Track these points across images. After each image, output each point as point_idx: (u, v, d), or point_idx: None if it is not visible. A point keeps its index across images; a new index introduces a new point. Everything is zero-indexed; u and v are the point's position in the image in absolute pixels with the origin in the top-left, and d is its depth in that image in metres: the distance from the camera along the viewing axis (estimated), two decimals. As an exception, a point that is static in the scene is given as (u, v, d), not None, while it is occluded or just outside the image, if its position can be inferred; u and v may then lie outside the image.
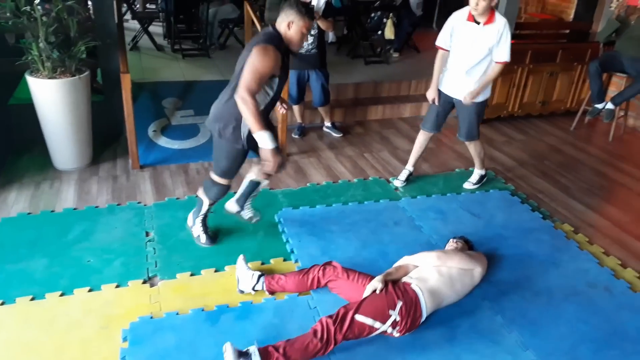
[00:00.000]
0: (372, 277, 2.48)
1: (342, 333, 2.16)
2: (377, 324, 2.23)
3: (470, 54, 3.48)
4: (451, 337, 2.42)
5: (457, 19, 3.53)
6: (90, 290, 2.61)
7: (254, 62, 2.40)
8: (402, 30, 6.57)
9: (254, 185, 2.96)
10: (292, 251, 3.02)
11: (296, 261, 2.93)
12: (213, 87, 5.16)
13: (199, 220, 3.03)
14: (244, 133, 2.66)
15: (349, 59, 6.37)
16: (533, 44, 5.56)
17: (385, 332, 2.28)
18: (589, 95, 5.23)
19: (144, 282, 2.70)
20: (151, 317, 2.44)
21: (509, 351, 2.37)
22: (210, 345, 2.29)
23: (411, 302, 2.34)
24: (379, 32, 6.20)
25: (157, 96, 4.87)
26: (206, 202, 2.98)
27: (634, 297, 2.81)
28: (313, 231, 3.21)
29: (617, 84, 5.53)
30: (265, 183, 2.98)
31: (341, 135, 4.82)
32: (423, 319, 2.39)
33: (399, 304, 2.29)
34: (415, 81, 5.67)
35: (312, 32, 4.28)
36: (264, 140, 2.48)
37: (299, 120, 4.79)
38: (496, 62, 3.46)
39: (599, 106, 5.10)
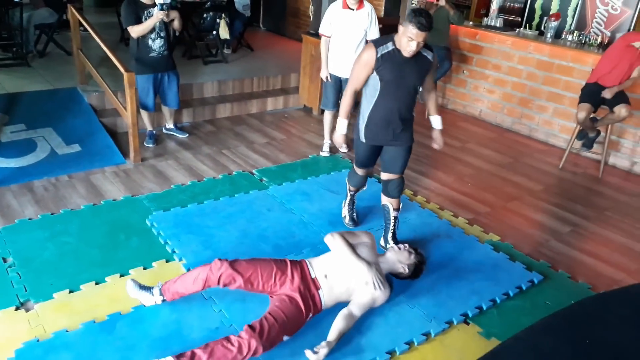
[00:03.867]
0: (264, 262, 2.54)
1: (266, 349, 2.22)
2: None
3: (350, 37, 4.17)
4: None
5: (335, 9, 4.19)
6: (-49, 330, 2.33)
7: None
8: (234, 29, 6.75)
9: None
10: (173, 251, 3.03)
11: (181, 259, 2.96)
12: (41, 97, 4.78)
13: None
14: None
15: (185, 60, 6.33)
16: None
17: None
18: (406, 80, 6.05)
19: (17, 309, 2.49)
20: (37, 341, 2.28)
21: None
22: (112, 354, 2.25)
23: (317, 310, 2.50)
24: (214, 32, 6.29)
25: (-25, 113, 4.32)
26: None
27: (468, 239, 3.45)
28: (190, 229, 3.24)
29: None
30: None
31: (187, 135, 4.83)
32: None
33: (309, 315, 2.45)
34: (257, 78, 5.91)
35: (162, 34, 4.22)
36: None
37: (149, 127, 4.62)
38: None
39: (415, 89, 5.94)
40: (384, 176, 3.15)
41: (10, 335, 2.31)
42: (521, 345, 1.74)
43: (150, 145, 4.55)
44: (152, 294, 2.51)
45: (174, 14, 4.20)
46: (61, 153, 4.14)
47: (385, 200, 3.20)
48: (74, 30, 4.91)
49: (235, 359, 2.14)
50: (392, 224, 3.19)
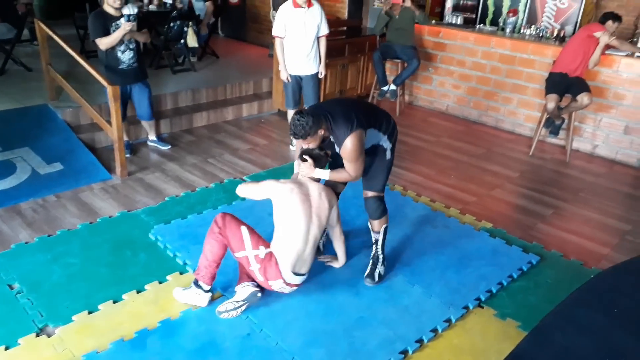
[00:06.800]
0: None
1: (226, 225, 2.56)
2: (247, 244, 2.55)
3: (306, 35, 4.29)
4: (356, 293, 2.82)
5: (286, 10, 4.26)
6: (-27, 363, 2.23)
7: None
8: (200, 37, 6.69)
9: None
10: (185, 263, 3.02)
11: (194, 270, 2.94)
12: (12, 116, 4.58)
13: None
14: None
15: (153, 70, 6.21)
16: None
17: (248, 258, 2.55)
18: (376, 80, 6.21)
19: (38, 335, 2.41)
20: (70, 365, 2.23)
21: (402, 290, 2.87)
22: (150, 370, 2.23)
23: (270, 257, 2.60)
24: (182, 41, 6.21)
25: (-58, 136, 4.09)
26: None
27: (463, 227, 3.62)
28: (197, 240, 3.21)
29: (391, 69, 6.64)
30: None
31: (169, 147, 4.77)
32: (281, 268, 2.59)
33: (266, 249, 2.60)
34: (230, 85, 5.89)
35: (131, 46, 4.14)
36: None
37: (124, 137, 4.53)
38: (321, 37, 4.43)
39: (385, 88, 6.11)
40: (363, 194, 2.88)
41: (39, 362, 2.25)
42: (559, 319, 1.88)
43: (127, 155, 4.43)
44: (196, 291, 2.62)
45: (141, 36, 4.20)
46: (43, 173, 3.99)
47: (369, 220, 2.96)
48: (42, 45, 4.73)
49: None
50: (374, 248, 2.96)
